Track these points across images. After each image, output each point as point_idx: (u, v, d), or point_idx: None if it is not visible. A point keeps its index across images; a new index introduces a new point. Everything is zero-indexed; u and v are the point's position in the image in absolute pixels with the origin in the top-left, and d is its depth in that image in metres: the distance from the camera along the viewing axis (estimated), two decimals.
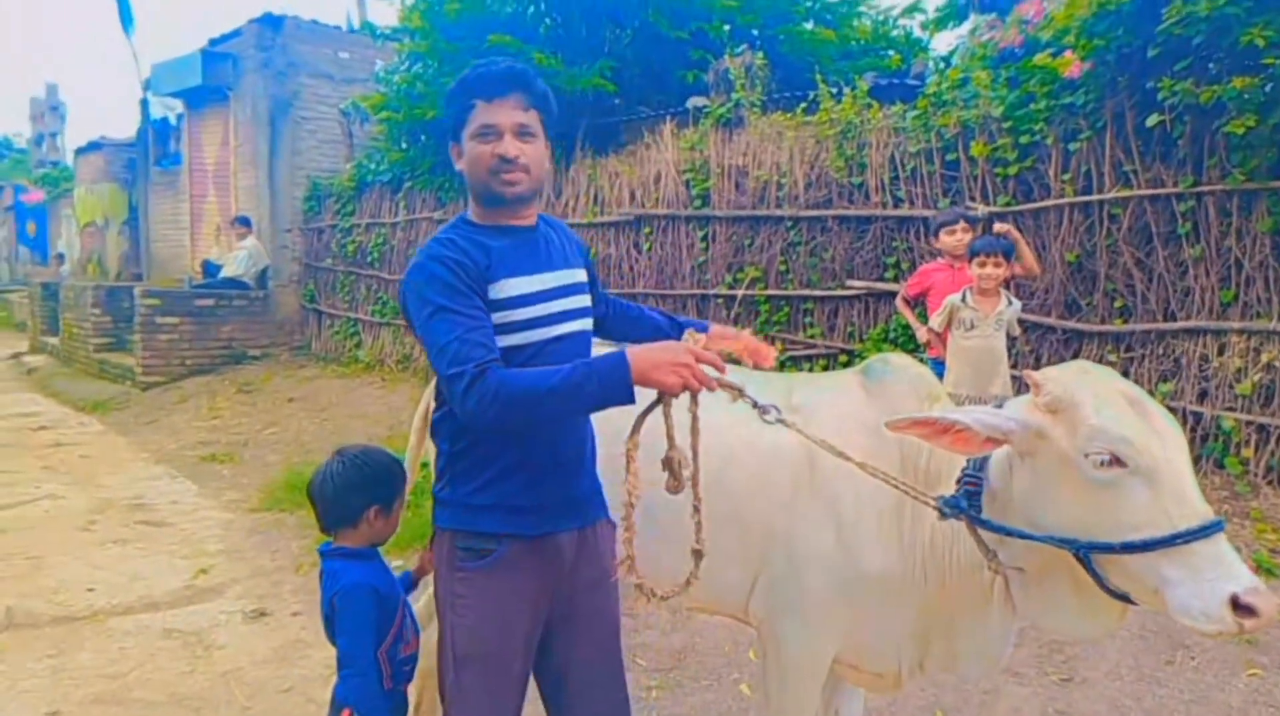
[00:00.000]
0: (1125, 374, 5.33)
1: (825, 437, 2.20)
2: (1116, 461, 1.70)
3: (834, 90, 6.40)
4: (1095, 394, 1.79)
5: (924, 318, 5.06)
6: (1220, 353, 4.92)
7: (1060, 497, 1.80)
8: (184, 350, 11.04)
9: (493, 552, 1.89)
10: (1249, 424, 4.79)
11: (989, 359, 4.28)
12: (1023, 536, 1.86)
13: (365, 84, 11.86)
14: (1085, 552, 1.75)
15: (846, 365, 6.39)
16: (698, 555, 1.88)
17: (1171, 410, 4.96)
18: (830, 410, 2.29)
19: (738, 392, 1.85)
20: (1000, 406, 2.02)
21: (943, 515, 1.94)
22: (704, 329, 2.23)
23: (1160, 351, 5.14)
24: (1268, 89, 4.23)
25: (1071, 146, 5.28)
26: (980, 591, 2.10)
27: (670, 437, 1.81)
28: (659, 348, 1.74)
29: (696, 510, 1.86)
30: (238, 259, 11.66)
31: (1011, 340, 4.49)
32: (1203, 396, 5.01)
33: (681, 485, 1.82)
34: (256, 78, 12.12)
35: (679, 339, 2.08)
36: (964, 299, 4.36)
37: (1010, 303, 4.38)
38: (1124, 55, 4.88)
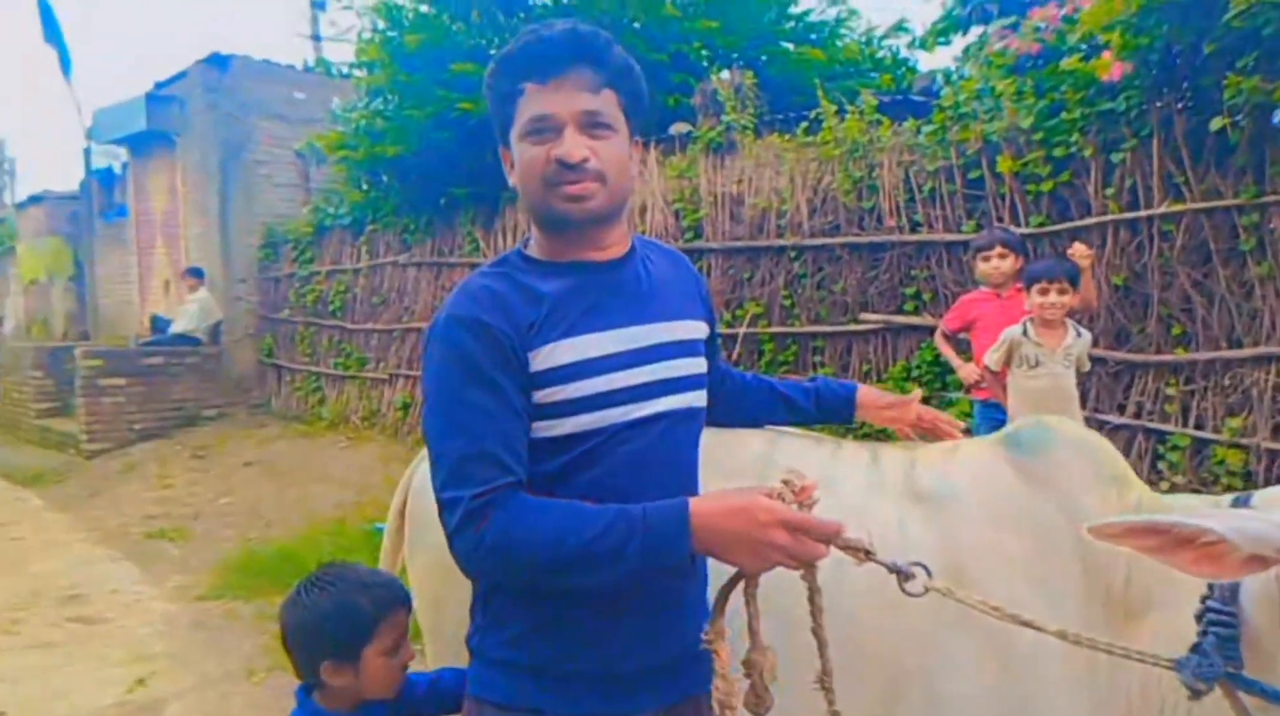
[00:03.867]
0: (1185, 409, 4.82)
1: (970, 539, 1.59)
2: None
3: (837, 107, 5.84)
4: None
5: (966, 355, 4.46)
6: None
7: None
8: (131, 414, 10.21)
9: None
10: None
11: (1058, 400, 3.67)
12: None
13: (321, 124, 11.24)
14: None
15: None
16: None
17: (1242, 449, 4.47)
18: (972, 500, 1.65)
19: (863, 554, 1.25)
20: (1244, 502, 1.40)
21: (1196, 693, 1.29)
22: (847, 395, 1.69)
23: (1226, 382, 4.58)
24: None
25: (1113, 157, 4.75)
26: None
27: (753, 632, 1.25)
28: (735, 512, 1.20)
29: None
30: (188, 313, 10.92)
31: (1081, 377, 3.90)
32: (1277, 431, 4.44)
33: (767, 703, 1.24)
34: (204, 120, 11.45)
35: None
36: (1025, 332, 3.76)
37: (1079, 334, 3.79)
38: (1172, 53, 4.37)
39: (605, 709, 1.35)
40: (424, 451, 2.20)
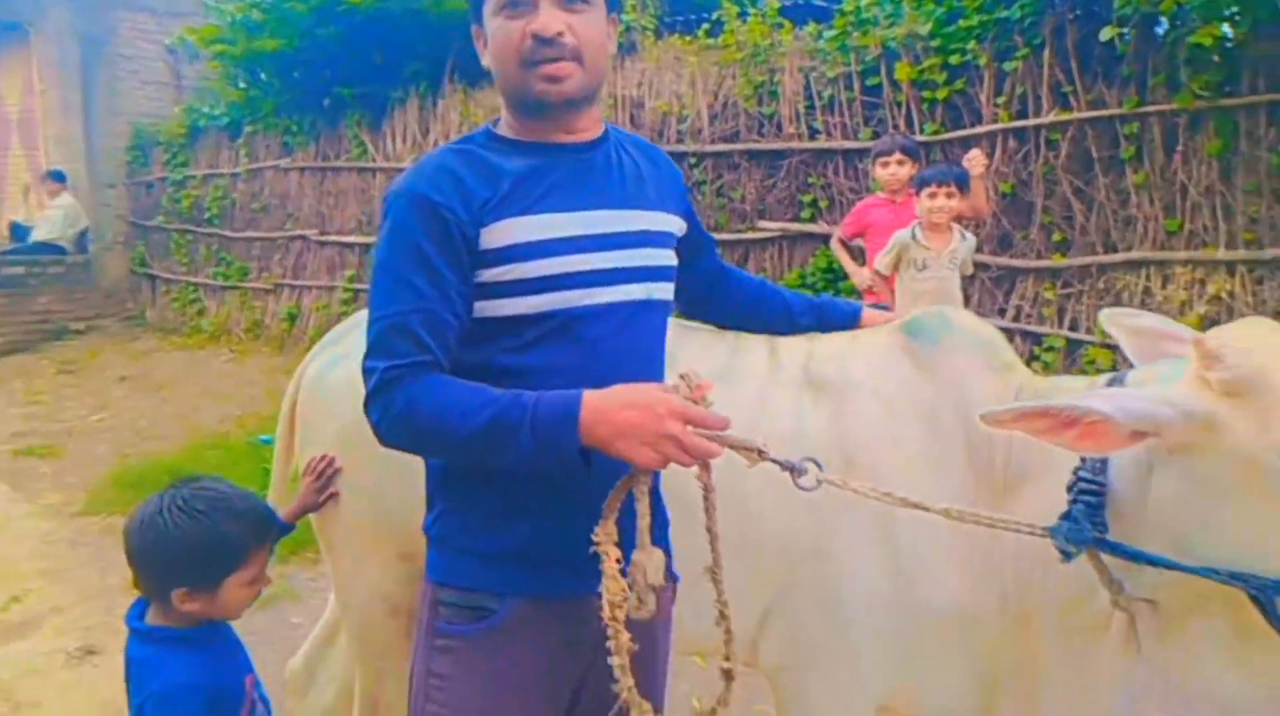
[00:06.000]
0: (1062, 311, 5.03)
1: (865, 425, 1.63)
2: None
3: (738, 9, 5.75)
4: None
5: (861, 260, 4.53)
6: (1164, 285, 4.61)
7: (1234, 516, 1.29)
8: None
9: (491, 615, 1.35)
10: None
11: (943, 302, 3.72)
12: (1177, 568, 1.33)
13: (194, 17, 10.50)
14: (1268, 593, 1.26)
15: None
16: (728, 676, 1.38)
17: (1112, 349, 4.72)
18: (869, 388, 1.68)
19: (755, 454, 1.27)
20: (1119, 381, 1.46)
21: (1066, 557, 1.36)
22: (852, 314, 1.79)
23: (1101, 286, 4.81)
24: None
25: (1006, 66, 4.83)
26: (1084, 627, 1.55)
27: (641, 531, 1.26)
28: (631, 405, 1.20)
29: (723, 615, 1.38)
30: (51, 219, 10.23)
31: (967, 281, 4.01)
32: None
33: (650, 608, 1.26)
34: (63, 11, 10.55)
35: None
36: (914, 236, 3.83)
37: (964, 238, 3.89)
38: None
39: (561, 588, 1.35)
40: (315, 348, 2.16)
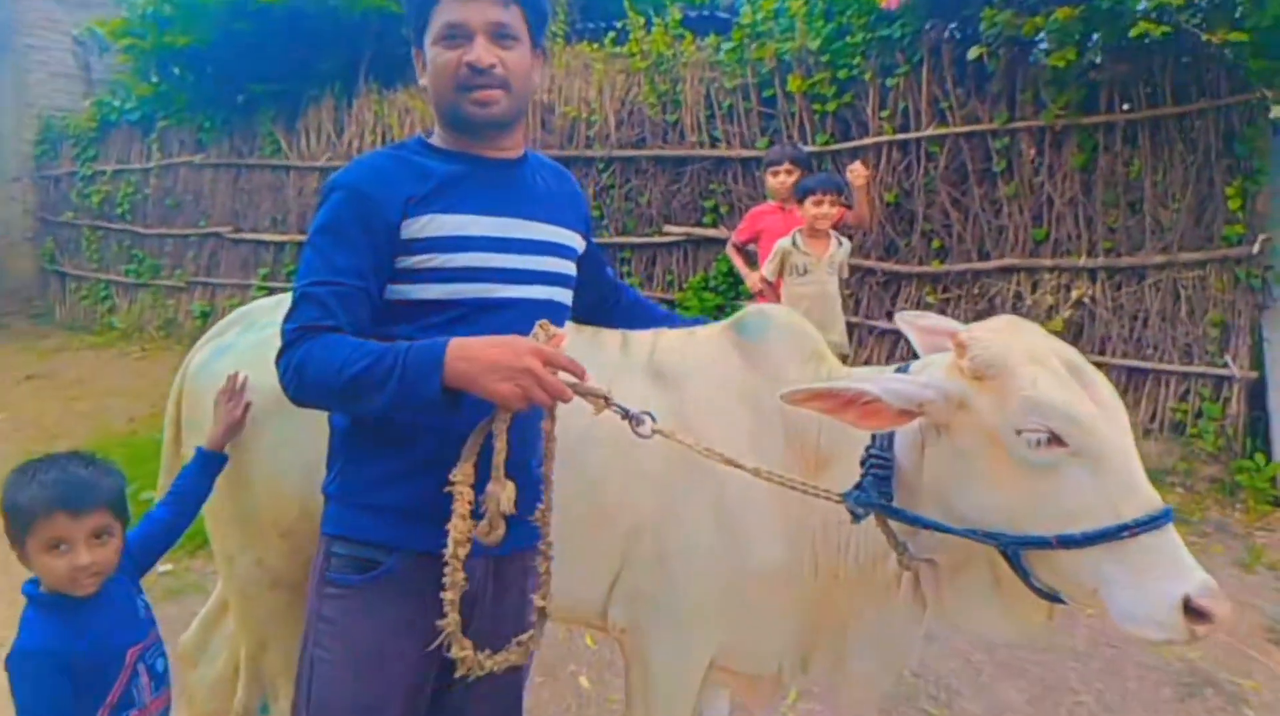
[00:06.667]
0: (942, 315, 5.30)
1: (700, 411, 1.84)
2: (1056, 440, 1.43)
3: (644, 19, 5.96)
4: (1031, 357, 1.49)
5: (754, 264, 4.78)
6: (1033, 290, 4.95)
7: (983, 482, 1.52)
8: None
9: (378, 567, 1.50)
10: None
11: (825, 305, 4.03)
12: (942, 530, 1.56)
13: (103, 9, 10.29)
14: (1014, 548, 1.49)
15: None
16: (542, 614, 1.51)
17: None
18: (703, 377, 1.89)
19: (603, 401, 1.46)
20: (904, 369, 1.69)
21: (855, 517, 1.58)
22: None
23: (976, 291, 5.13)
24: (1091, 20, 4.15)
25: (889, 81, 5.13)
26: (880, 584, 1.79)
27: (496, 466, 1.39)
28: (494, 344, 1.36)
29: (546, 556, 1.49)
30: None
31: (856, 285, 4.28)
32: None
33: (499, 534, 1.39)
34: None
35: None
36: (795, 243, 4.08)
37: (840, 243, 4.15)
38: None
39: (443, 545, 1.42)
40: (202, 338, 2.26)
